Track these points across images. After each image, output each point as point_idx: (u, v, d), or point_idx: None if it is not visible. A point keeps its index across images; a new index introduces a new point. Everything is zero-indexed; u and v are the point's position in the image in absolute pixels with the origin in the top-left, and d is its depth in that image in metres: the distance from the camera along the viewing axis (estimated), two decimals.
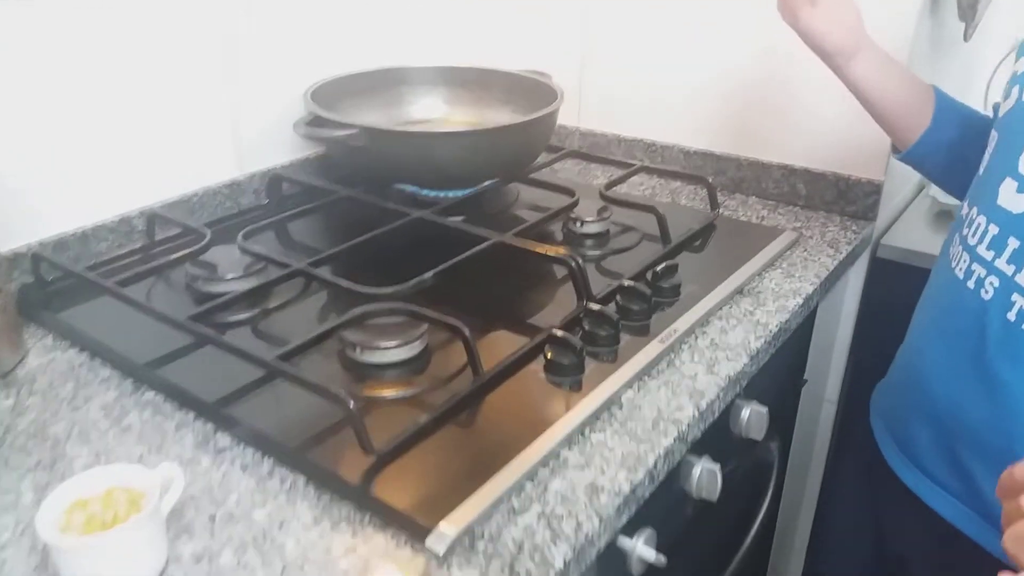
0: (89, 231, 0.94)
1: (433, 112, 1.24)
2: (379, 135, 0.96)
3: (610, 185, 1.05)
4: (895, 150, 0.88)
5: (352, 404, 0.61)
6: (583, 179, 1.23)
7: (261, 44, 1.07)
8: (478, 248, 0.86)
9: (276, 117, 1.11)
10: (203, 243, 0.88)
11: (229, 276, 0.86)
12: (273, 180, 1.09)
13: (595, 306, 0.79)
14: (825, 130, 1.09)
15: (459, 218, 0.95)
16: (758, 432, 0.84)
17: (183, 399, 0.71)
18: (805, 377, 1.13)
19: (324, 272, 0.83)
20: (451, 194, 1.03)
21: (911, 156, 0.85)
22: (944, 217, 1.18)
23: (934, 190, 1.21)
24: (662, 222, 0.97)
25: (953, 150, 0.81)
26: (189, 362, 0.74)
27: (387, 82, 1.21)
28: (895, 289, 1.10)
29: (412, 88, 1.23)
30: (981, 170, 0.71)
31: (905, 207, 1.22)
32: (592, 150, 1.28)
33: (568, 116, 1.27)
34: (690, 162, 1.20)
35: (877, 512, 0.82)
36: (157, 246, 0.98)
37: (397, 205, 0.98)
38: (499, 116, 1.21)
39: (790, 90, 1.10)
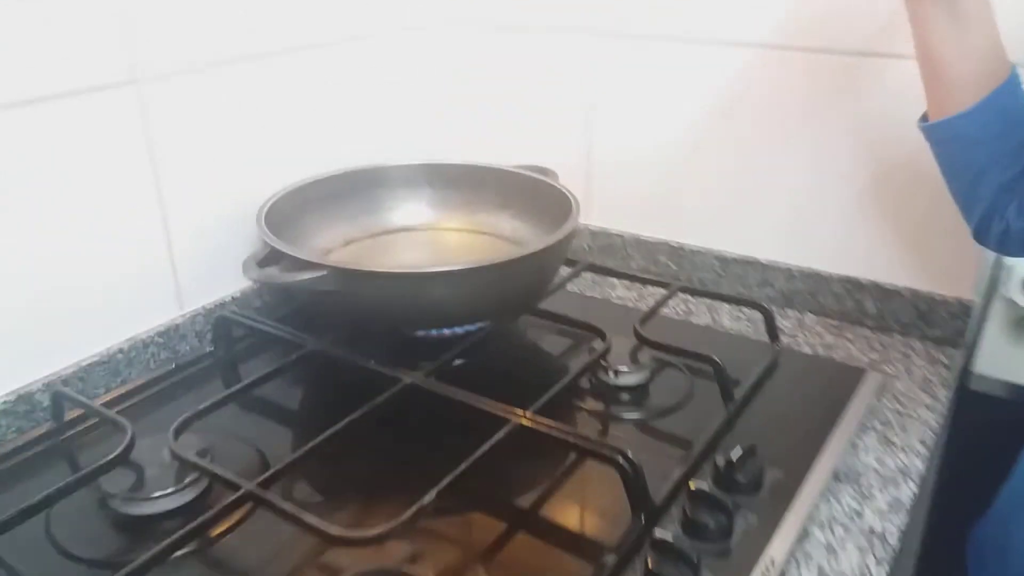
0: None
1: (417, 218, 1.03)
2: (354, 277, 0.74)
3: (646, 318, 0.84)
4: (924, 118, 0.70)
5: None
6: (601, 292, 1.01)
7: (197, 140, 0.86)
8: (494, 440, 0.65)
9: (224, 239, 0.89)
10: (121, 448, 0.65)
11: (156, 493, 0.64)
12: (220, 323, 0.86)
13: (664, 535, 0.57)
14: (897, 233, 0.89)
15: (460, 388, 0.73)
16: None
17: None
18: None
19: (282, 499, 0.60)
20: (445, 331, 0.82)
21: (937, 129, 0.68)
22: None
23: (1012, 289, 1.02)
24: (722, 377, 0.76)
25: (978, 152, 0.66)
26: None
27: (360, 185, 1.00)
28: (984, 423, 0.92)
29: (391, 191, 1.02)
30: None
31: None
32: (606, 254, 1.07)
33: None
34: (728, 271, 1.00)
35: None
36: (68, 428, 0.75)
37: (380, 365, 0.76)
38: (496, 221, 1.01)
39: (847, 179, 0.90)
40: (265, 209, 0.86)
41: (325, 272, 0.74)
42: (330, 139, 1.00)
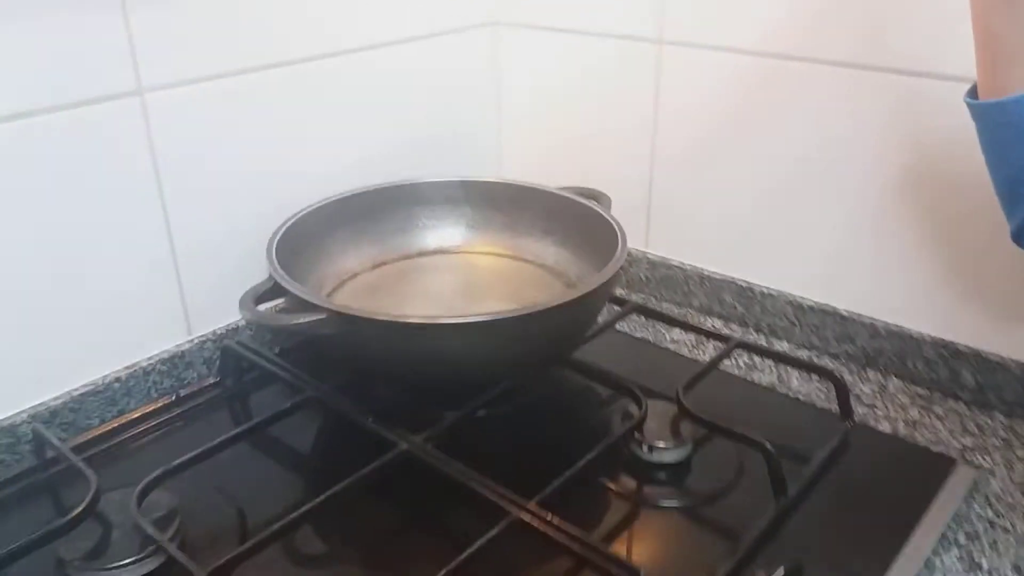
0: None
1: (453, 239, 0.94)
2: (356, 324, 0.66)
3: (693, 381, 0.73)
4: (972, 94, 0.56)
5: None
6: (653, 333, 0.90)
7: (210, 151, 0.79)
8: (488, 536, 0.55)
9: (239, 258, 0.82)
10: (81, 507, 0.59)
11: (114, 563, 0.58)
12: (227, 353, 0.80)
13: None
14: (1007, 295, 0.75)
15: (462, 462, 0.64)
16: None
17: None
18: None
19: None
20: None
21: (989, 112, 0.53)
22: None
23: None
24: (775, 469, 0.64)
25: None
26: None
27: (395, 203, 0.92)
28: None
29: (427, 209, 0.93)
30: None
31: None
32: (665, 287, 0.96)
33: (634, 235, 0.94)
34: (803, 320, 0.87)
35: None
36: (50, 466, 0.70)
37: (378, 424, 0.68)
38: (539, 248, 0.91)
39: (948, 223, 0.76)
40: (280, 232, 0.79)
41: (324, 316, 0.66)
42: (362, 153, 0.91)
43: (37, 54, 0.65)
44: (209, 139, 0.77)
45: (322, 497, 0.59)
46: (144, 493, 0.61)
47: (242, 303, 0.69)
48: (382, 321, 0.66)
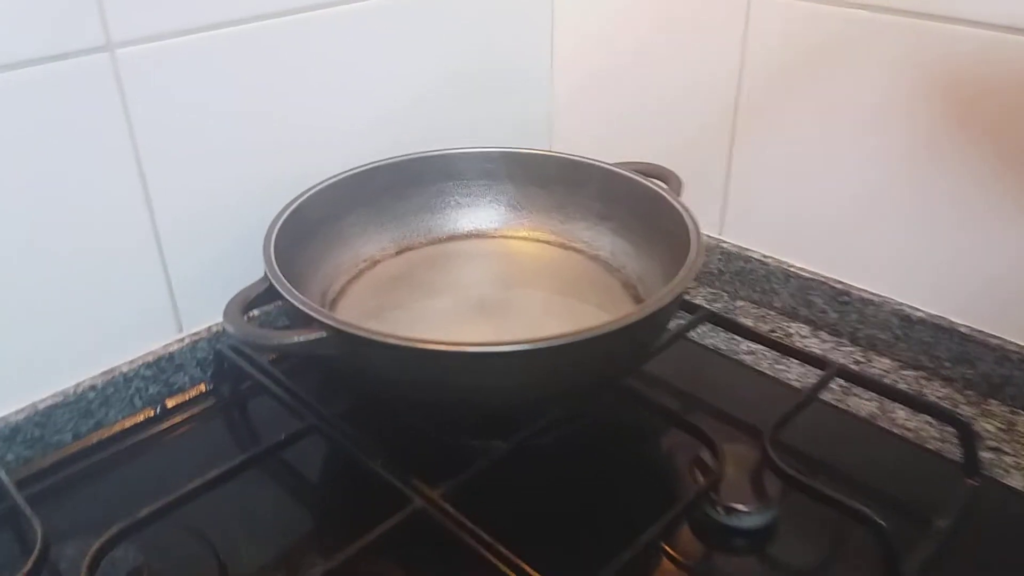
0: None
1: (490, 221, 0.80)
2: (363, 345, 0.53)
3: (781, 422, 0.58)
4: None
5: None
6: (727, 342, 0.76)
7: (200, 115, 0.66)
8: None
9: (239, 241, 0.70)
10: (27, 567, 0.48)
11: None
12: (221, 358, 0.68)
13: None
14: None
15: (486, 524, 0.51)
16: None
17: None
18: None
19: None
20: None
21: None
22: None
23: None
24: (887, 548, 0.50)
25: None
26: None
27: (424, 177, 0.78)
28: None
29: (463, 184, 0.79)
30: None
31: None
32: (742, 282, 0.81)
33: (706, 220, 0.78)
34: (911, 335, 0.72)
35: None
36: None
37: (388, 470, 0.55)
38: (593, 236, 0.76)
39: None
40: (284, 216, 0.66)
41: (324, 334, 0.53)
42: (382, 119, 0.77)
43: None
44: (194, 103, 0.64)
45: (319, 572, 0.47)
46: (101, 553, 0.49)
47: (227, 314, 0.56)
48: (393, 345, 0.52)
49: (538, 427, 0.59)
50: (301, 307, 0.55)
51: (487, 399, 0.56)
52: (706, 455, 0.57)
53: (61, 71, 0.56)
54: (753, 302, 0.81)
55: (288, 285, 0.57)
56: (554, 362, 0.53)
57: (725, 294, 0.83)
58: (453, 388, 0.55)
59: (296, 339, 0.53)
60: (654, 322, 0.56)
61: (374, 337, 0.52)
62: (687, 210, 0.66)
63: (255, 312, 0.70)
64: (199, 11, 0.61)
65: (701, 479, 0.56)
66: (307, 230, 0.68)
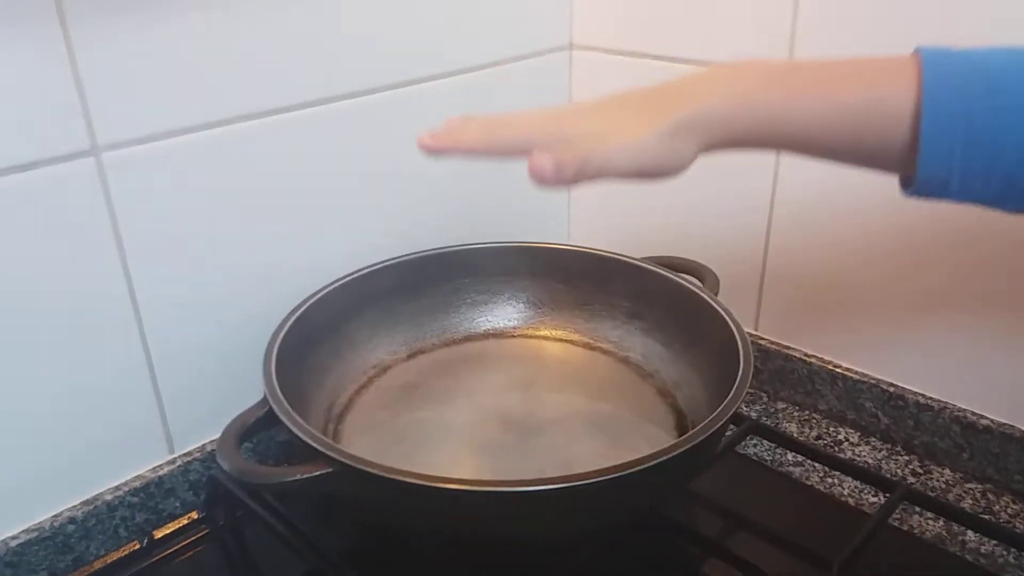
0: None
1: (508, 319, 0.74)
2: (371, 483, 0.46)
3: (851, 558, 0.51)
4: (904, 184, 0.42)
5: None
6: (771, 453, 0.69)
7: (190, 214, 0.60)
8: None
9: (239, 353, 0.64)
10: None
11: None
12: (213, 484, 0.62)
13: None
14: None
15: None
16: None
17: None
18: None
19: None
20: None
21: (927, 188, 0.40)
22: None
23: None
24: None
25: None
26: None
27: (437, 274, 0.72)
28: None
29: (479, 280, 0.74)
30: None
31: None
32: (781, 382, 0.75)
33: (741, 314, 0.72)
34: (976, 444, 0.65)
35: None
36: None
37: None
38: (623, 336, 0.71)
39: None
40: (286, 327, 0.60)
41: (330, 470, 0.47)
42: (390, 220, 0.72)
43: None
44: (183, 208, 0.59)
45: None
46: None
47: (220, 447, 0.50)
48: (409, 484, 0.46)
49: (567, 563, 0.52)
50: (306, 438, 0.49)
51: (513, 538, 0.50)
52: None
53: (47, 176, 0.51)
54: (796, 404, 0.75)
55: (290, 411, 0.51)
56: (589, 499, 0.47)
57: (763, 394, 0.77)
58: (474, 526, 0.49)
59: (299, 476, 0.47)
60: (703, 449, 0.50)
61: (388, 475, 0.46)
62: (729, 313, 0.61)
63: (255, 440, 0.63)
64: (184, 113, 0.57)
65: None
66: (312, 337, 0.63)
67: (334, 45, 0.63)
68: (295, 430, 0.49)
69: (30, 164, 0.50)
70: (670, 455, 0.47)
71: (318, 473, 0.47)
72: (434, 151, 0.45)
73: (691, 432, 0.49)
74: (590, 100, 0.46)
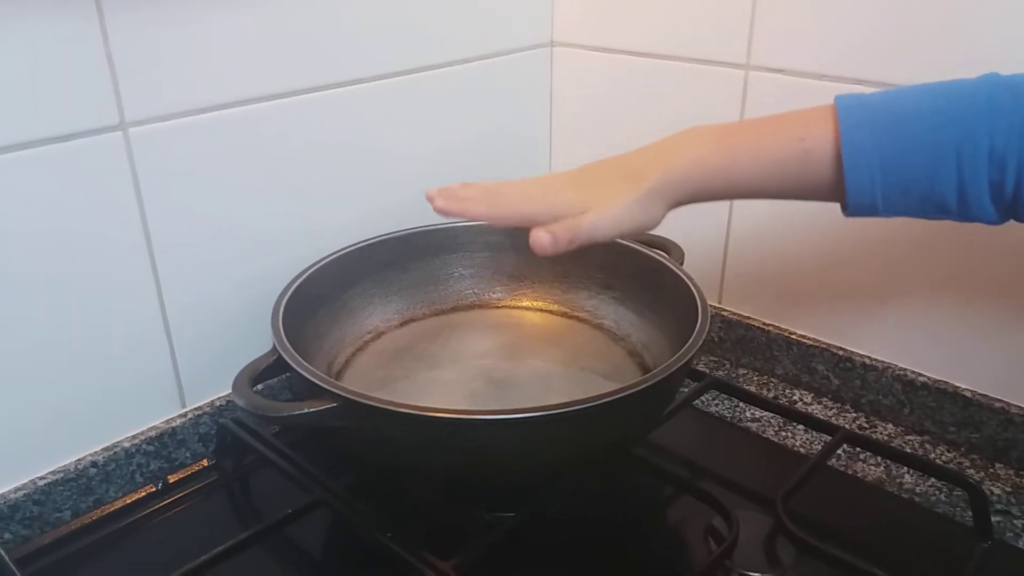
0: None
1: (492, 291, 0.80)
2: (374, 415, 0.53)
3: (793, 489, 0.58)
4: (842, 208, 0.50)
5: None
6: (731, 409, 0.76)
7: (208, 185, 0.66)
8: None
9: (247, 313, 0.70)
10: None
11: None
12: (223, 432, 0.68)
13: None
14: None
15: None
16: None
17: None
18: None
19: None
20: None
21: (859, 211, 0.49)
22: None
23: None
24: None
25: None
26: None
27: (427, 249, 0.79)
28: None
29: (466, 256, 0.80)
30: None
31: None
32: (743, 351, 0.82)
33: (705, 287, 0.79)
34: (915, 401, 0.72)
35: None
36: None
37: (398, 543, 0.54)
38: (597, 305, 0.77)
39: None
40: (291, 290, 0.66)
41: (334, 404, 0.53)
42: (387, 197, 0.79)
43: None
44: (204, 179, 0.65)
45: None
46: None
47: (236, 386, 0.56)
48: (404, 414, 0.52)
49: (548, 497, 0.58)
50: (311, 378, 0.55)
51: (498, 467, 0.56)
52: (719, 523, 0.57)
53: (75, 148, 0.57)
54: (755, 369, 0.82)
55: (298, 357, 0.57)
56: (563, 429, 0.53)
57: (726, 362, 0.83)
58: (463, 456, 0.55)
59: (307, 410, 0.53)
60: (663, 389, 0.56)
61: (386, 406, 0.52)
62: (691, 279, 0.67)
63: (259, 387, 0.69)
64: (210, 91, 0.63)
65: (715, 547, 0.56)
66: (312, 303, 0.69)
67: (334, 38, 0.70)
68: (302, 371, 0.56)
69: (65, 136, 0.57)
70: (633, 390, 0.53)
71: (324, 407, 0.53)
72: (441, 213, 0.54)
73: (653, 371, 0.56)
74: (571, 172, 0.55)
